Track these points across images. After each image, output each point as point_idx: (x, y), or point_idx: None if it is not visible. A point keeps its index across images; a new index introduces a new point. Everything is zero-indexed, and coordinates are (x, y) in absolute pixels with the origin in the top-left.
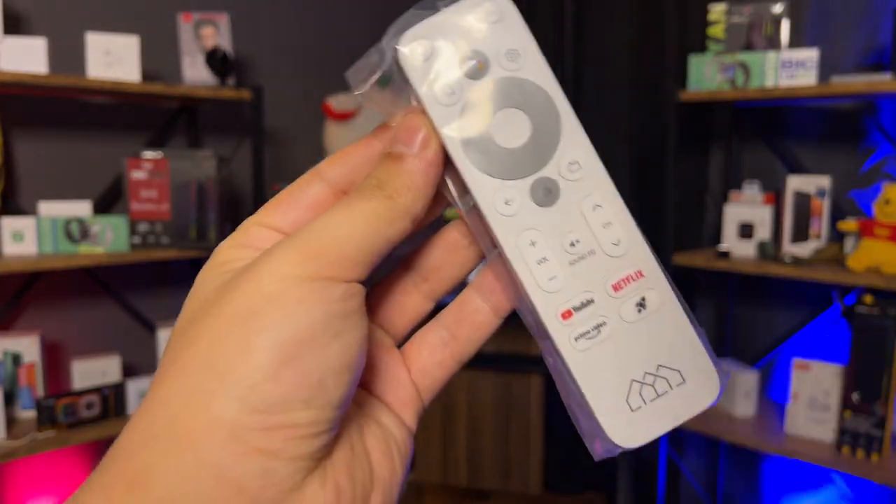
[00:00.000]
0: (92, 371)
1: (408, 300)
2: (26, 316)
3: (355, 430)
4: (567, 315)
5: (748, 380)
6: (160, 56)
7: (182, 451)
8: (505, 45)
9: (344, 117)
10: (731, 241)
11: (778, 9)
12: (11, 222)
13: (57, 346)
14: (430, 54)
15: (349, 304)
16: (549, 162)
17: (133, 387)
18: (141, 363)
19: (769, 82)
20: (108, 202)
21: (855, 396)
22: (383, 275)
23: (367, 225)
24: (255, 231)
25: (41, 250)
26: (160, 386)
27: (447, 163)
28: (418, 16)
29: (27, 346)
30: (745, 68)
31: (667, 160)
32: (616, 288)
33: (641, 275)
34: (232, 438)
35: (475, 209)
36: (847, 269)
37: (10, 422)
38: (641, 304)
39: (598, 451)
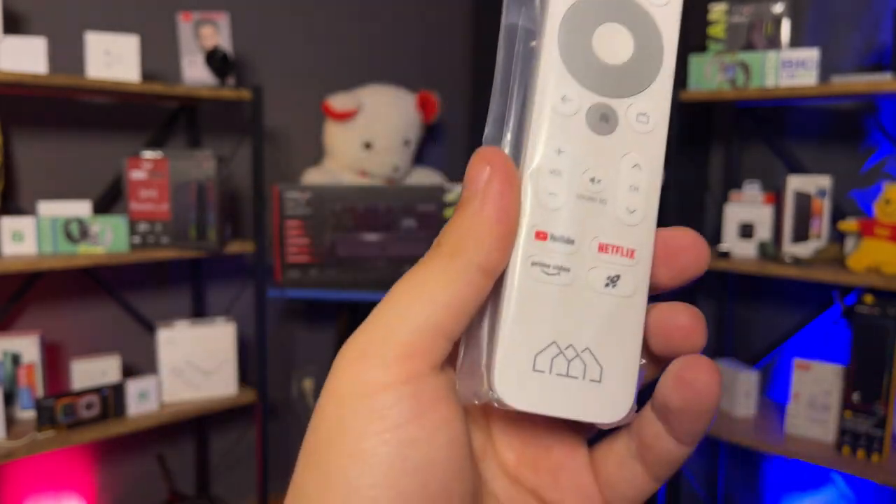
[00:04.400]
0: (92, 371)
1: None
2: (26, 316)
3: None
4: (541, 236)
5: (748, 380)
6: (160, 56)
7: None
8: None
9: (344, 117)
10: (731, 241)
11: (778, 8)
12: (11, 222)
13: (57, 346)
14: None
15: (444, 403)
16: (624, 97)
17: (133, 387)
18: (141, 363)
19: (769, 82)
20: (107, 202)
21: (855, 396)
22: None
23: (427, 296)
24: None
25: (41, 250)
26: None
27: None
28: None
29: (27, 346)
30: (745, 68)
31: (667, 160)
32: (602, 248)
33: (633, 255)
34: None
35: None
36: (847, 269)
37: (10, 422)
38: (612, 282)
39: (463, 393)
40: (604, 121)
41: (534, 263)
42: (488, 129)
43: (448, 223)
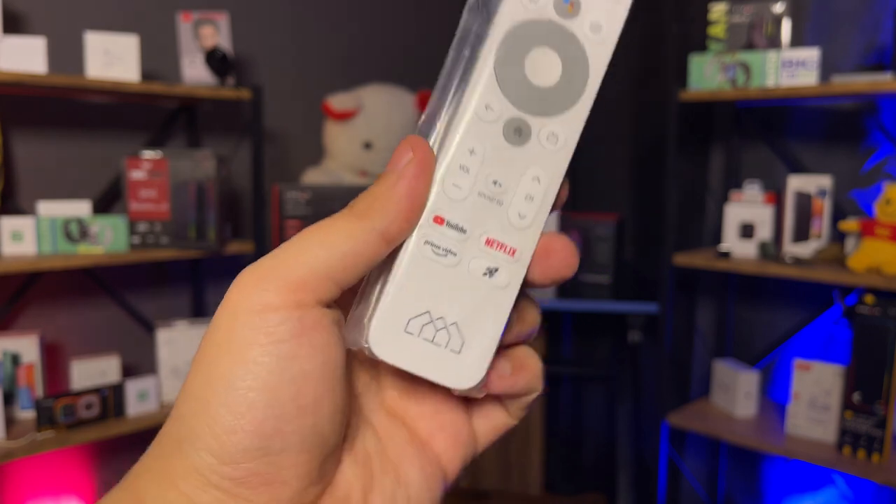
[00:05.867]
0: (91, 371)
1: None
2: (26, 316)
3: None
4: (439, 221)
5: (749, 380)
6: (159, 56)
7: (168, 488)
8: (600, 16)
9: (344, 117)
10: (731, 241)
11: (779, 8)
12: (11, 222)
13: (56, 346)
14: None
15: (297, 330)
16: (541, 117)
17: (132, 387)
18: (140, 363)
19: (770, 82)
20: (107, 202)
21: (856, 397)
22: None
23: (328, 245)
24: None
25: (40, 250)
26: (166, 424)
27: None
28: None
29: (26, 346)
30: (745, 68)
31: (667, 160)
32: (488, 243)
33: (513, 254)
34: (210, 485)
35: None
36: (848, 270)
37: (10, 422)
38: (491, 273)
39: (348, 339)
40: (517, 134)
41: (426, 242)
42: (422, 121)
43: (365, 190)
